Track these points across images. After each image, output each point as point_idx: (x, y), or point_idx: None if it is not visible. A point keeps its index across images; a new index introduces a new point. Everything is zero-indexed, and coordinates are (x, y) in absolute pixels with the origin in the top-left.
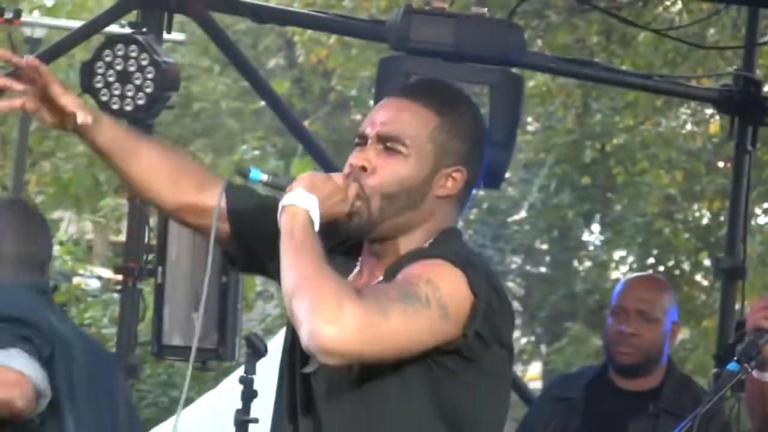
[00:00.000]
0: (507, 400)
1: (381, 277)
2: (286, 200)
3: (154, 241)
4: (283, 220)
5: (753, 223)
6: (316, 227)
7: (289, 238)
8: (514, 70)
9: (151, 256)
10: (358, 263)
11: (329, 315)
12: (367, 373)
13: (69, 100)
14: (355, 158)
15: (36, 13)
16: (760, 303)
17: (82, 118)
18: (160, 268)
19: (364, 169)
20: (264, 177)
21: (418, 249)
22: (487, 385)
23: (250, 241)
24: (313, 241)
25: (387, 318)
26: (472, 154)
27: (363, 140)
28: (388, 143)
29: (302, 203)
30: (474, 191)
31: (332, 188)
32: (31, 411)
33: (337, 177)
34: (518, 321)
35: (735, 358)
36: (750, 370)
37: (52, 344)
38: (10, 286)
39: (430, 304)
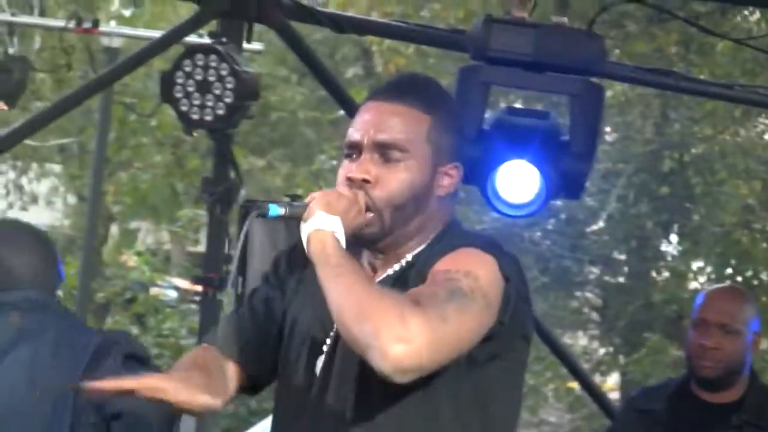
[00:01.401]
0: (522, 385)
1: (387, 272)
2: (309, 227)
3: (233, 252)
4: (313, 248)
5: None
6: (342, 244)
7: (326, 264)
8: (594, 79)
9: (230, 267)
10: None
11: (397, 333)
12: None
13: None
14: (354, 171)
15: (113, 22)
16: None
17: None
18: (240, 279)
19: (366, 181)
20: (282, 211)
21: (441, 245)
22: (512, 373)
23: (269, 369)
24: (351, 262)
25: (447, 322)
26: (461, 146)
27: (355, 150)
28: (385, 152)
29: (327, 226)
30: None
31: (347, 203)
32: None
33: (344, 189)
34: (596, 331)
35: None
36: None
37: None
38: None
39: (475, 296)
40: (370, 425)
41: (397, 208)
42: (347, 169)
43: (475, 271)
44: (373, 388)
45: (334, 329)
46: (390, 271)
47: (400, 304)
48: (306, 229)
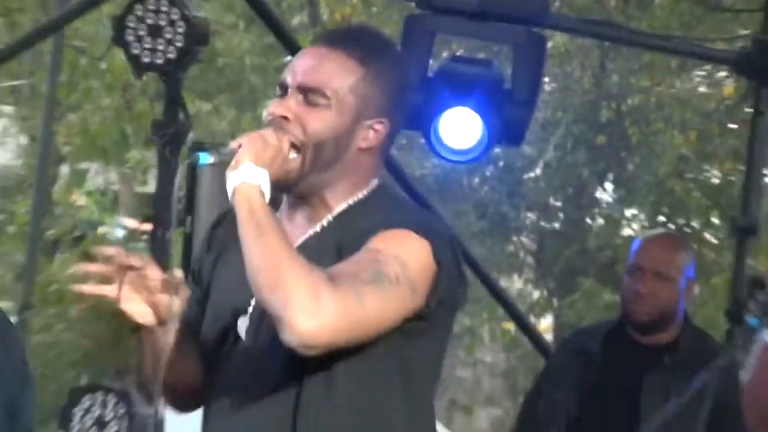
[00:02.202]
0: (445, 351)
1: (310, 232)
2: (236, 178)
3: (182, 192)
4: (237, 201)
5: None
6: (267, 198)
7: (249, 220)
8: (536, 30)
9: (179, 205)
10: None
11: (307, 308)
12: None
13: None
14: (277, 107)
15: None
16: None
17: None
18: (189, 218)
19: (285, 118)
20: (211, 159)
21: (375, 217)
22: (439, 343)
23: None
24: (275, 222)
25: (362, 302)
26: (395, 104)
27: (284, 90)
28: (309, 95)
29: (253, 179)
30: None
31: (274, 152)
32: None
33: (269, 135)
34: (531, 275)
35: (756, 315)
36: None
37: None
38: None
39: (399, 282)
40: (301, 381)
41: (317, 146)
42: (273, 105)
43: (404, 257)
44: None
45: None
46: (317, 228)
47: (316, 279)
48: (232, 180)
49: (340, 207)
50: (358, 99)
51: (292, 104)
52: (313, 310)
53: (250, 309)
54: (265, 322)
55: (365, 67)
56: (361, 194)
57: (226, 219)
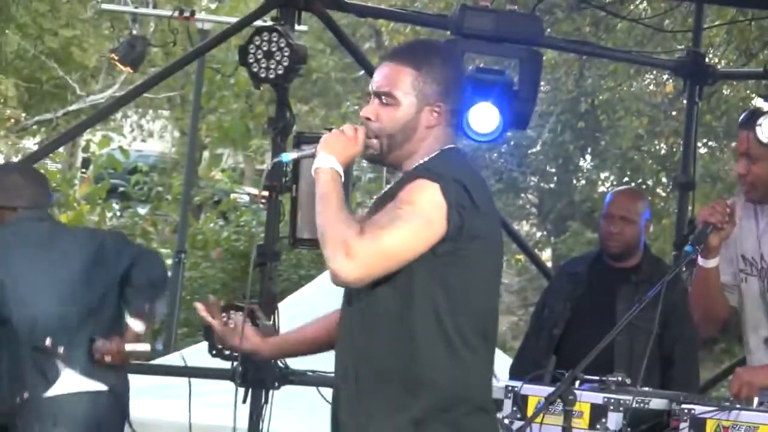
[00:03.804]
0: (491, 268)
1: (386, 187)
2: (314, 166)
3: (290, 167)
4: (315, 180)
5: None
6: (341, 171)
7: (318, 194)
8: (534, 48)
9: (287, 178)
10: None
11: (340, 258)
12: None
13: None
14: (363, 111)
15: (204, 12)
16: (710, 206)
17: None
18: (294, 186)
19: (368, 119)
20: (294, 155)
21: (411, 170)
22: (469, 260)
23: None
24: (333, 193)
25: (379, 243)
26: (448, 89)
27: (369, 97)
28: (383, 98)
29: (324, 163)
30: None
31: (343, 141)
32: None
33: (348, 128)
34: (534, 221)
35: (690, 244)
36: (699, 252)
37: None
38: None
39: (413, 219)
40: (368, 299)
41: (389, 136)
42: (362, 110)
43: (416, 198)
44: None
45: None
46: (392, 183)
47: (348, 234)
48: (313, 167)
49: (413, 166)
50: (417, 93)
51: (373, 107)
52: (344, 260)
53: None
54: None
55: (418, 69)
56: (428, 157)
57: None
